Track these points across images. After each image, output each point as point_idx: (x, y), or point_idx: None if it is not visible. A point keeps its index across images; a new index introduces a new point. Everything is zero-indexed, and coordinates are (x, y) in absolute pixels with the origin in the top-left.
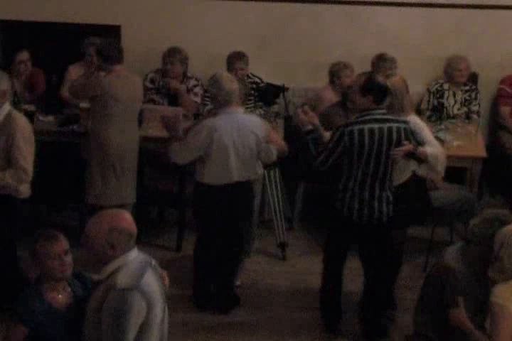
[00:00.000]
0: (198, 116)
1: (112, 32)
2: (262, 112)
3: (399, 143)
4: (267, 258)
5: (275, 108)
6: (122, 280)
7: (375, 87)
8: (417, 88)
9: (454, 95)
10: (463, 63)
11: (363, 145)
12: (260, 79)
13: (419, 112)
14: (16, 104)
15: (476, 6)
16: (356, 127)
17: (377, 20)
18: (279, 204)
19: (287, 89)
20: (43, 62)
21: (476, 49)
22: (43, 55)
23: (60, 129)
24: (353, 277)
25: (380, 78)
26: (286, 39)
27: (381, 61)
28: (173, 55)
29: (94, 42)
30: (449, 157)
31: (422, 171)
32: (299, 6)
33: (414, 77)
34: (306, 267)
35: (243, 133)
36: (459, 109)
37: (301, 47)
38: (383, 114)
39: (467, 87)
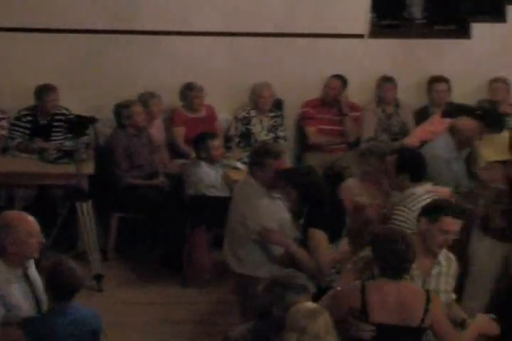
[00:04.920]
0: (6, 150)
1: None
2: (73, 144)
3: None
4: (82, 290)
5: (85, 139)
6: None
7: None
8: (225, 115)
9: (261, 121)
10: (267, 90)
11: None
12: (68, 111)
13: (228, 139)
14: None
15: (277, 34)
16: None
17: (183, 49)
18: (92, 235)
19: (96, 120)
20: None
21: (280, 76)
22: None
23: None
24: None
25: None
26: (92, 70)
27: (188, 90)
28: None
29: None
30: None
31: None
32: (104, 37)
33: (222, 105)
34: (123, 298)
35: None
36: (266, 135)
37: (108, 78)
38: None
39: (273, 113)
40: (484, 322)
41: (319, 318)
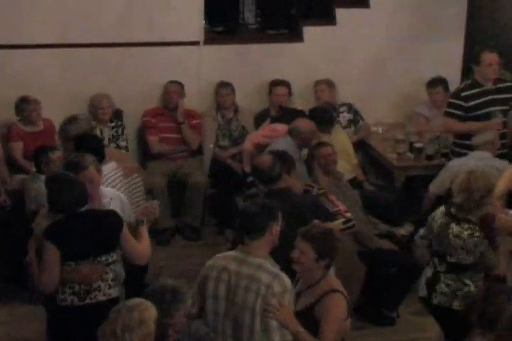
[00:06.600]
0: None
1: None
2: None
3: None
4: None
5: None
6: None
7: None
8: None
9: (102, 132)
10: (105, 101)
11: None
12: None
13: None
14: None
15: (111, 44)
16: None
17: (15, 62)
18: None
19: None
20: None
21: (118, 86)
22: None
23: None
24: None
25: None
26: None
27: (24, 104)
28: None
29: None
30: None
31: None
32: None
33: (58, 117)
34: None
35: None
36: (107, 146)
37: None
38: None
39: (113, 124)
40: None
41: (119, 316)
